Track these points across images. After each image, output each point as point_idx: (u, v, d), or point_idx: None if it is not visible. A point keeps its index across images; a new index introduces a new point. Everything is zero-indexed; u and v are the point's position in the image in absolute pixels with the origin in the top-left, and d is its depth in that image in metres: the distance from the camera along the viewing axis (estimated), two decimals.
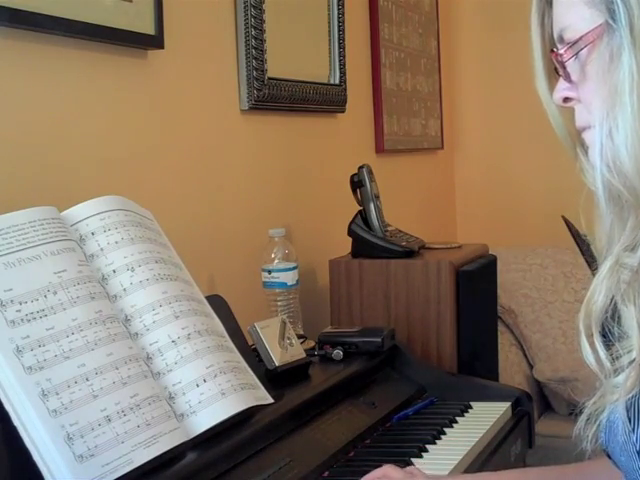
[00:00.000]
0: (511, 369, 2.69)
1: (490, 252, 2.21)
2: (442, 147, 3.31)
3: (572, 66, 0.96)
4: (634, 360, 0.90)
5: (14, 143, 1.42)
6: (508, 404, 1.69)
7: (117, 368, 1.13)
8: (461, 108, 3.52)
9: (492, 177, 3.47)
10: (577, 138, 0.99)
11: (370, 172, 2.06)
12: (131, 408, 1.11)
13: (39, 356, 1.05)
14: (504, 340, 2.71)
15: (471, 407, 1.68)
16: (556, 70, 0.98)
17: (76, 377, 1.07)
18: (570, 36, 0.95)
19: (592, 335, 0.95)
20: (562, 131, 1.01)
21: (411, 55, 3.00)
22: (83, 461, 1.03)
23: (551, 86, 1.00)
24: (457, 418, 1.61)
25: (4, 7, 1.35)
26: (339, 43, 2.38)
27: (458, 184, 3.55)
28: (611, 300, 0.94)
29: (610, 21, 0.90)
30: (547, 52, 0.99)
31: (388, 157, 2.79)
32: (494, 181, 3.47)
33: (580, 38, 0.93)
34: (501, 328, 2.70)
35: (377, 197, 2.06)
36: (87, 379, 1.08)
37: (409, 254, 2.02)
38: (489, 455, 1.48)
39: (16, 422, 1.02)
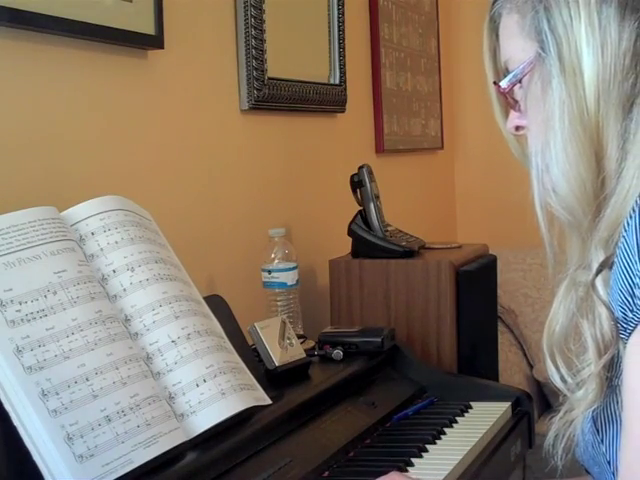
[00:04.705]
0: (511, 369, 2.69)
1: (490, 252, 2.21)
2: (442, 147, 3.30)
3: (520, 95, 1.00)
4: (593, 373, 0.92)
5: (14, 143, 1.42)
6: (508, 404, 1.68)
7: (117, 368, 1.12)
8: (461, 108, 3.52)
9: (492, 177, 3.47)
10: None
11: (370, 172, 2.06)
12: (131, 408, 1.11)
13: (39, 356, 1.05)
14: (504, 340, 2.71)
15: (471, 407, 1.68)
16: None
17: (76, 377, 1.07)
18: (512, 67, 0.99)
19: (554, 356, 0.98)
20: (521, 157, 1.06)
21: (411, 55, 3.00)
22: (83, 461, 1.03)
23: (507, 116, 1.05)
24: (457, 418, 1.61)
25: (4, 7, 1.35)
26: (339, 43, 2.38)
27: (458, 184, 3.55)
28: (572, 318, 0.97)
29: (540, 51, 0.95)
30: None
31: (388, 157, 2.79)
32: (494, 181, 3.46)
33: (519, 68, 0.97)
34: (501, 328, 2.70)
35: (377, 197, 2.06)
36: (87, 379, 1.08)
37: (409, 254, 2.02)
38: (489, 455, 1.48)
39: (16, 422, 1.02)
